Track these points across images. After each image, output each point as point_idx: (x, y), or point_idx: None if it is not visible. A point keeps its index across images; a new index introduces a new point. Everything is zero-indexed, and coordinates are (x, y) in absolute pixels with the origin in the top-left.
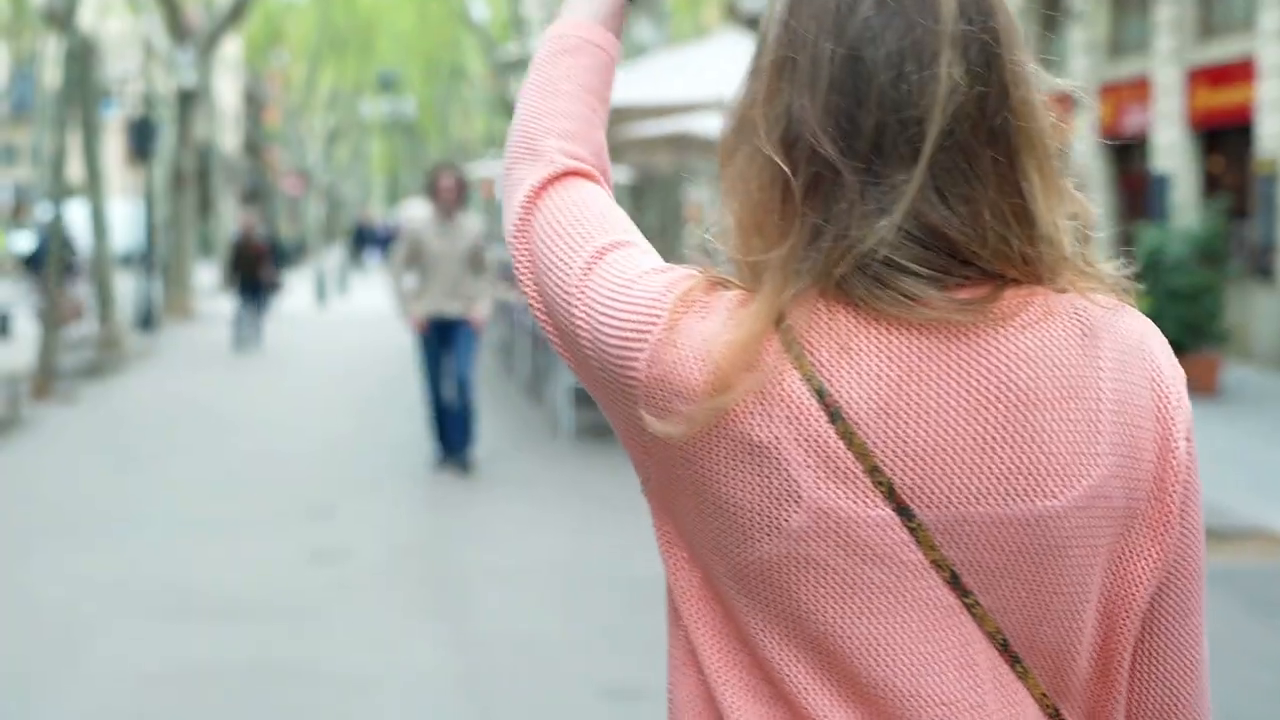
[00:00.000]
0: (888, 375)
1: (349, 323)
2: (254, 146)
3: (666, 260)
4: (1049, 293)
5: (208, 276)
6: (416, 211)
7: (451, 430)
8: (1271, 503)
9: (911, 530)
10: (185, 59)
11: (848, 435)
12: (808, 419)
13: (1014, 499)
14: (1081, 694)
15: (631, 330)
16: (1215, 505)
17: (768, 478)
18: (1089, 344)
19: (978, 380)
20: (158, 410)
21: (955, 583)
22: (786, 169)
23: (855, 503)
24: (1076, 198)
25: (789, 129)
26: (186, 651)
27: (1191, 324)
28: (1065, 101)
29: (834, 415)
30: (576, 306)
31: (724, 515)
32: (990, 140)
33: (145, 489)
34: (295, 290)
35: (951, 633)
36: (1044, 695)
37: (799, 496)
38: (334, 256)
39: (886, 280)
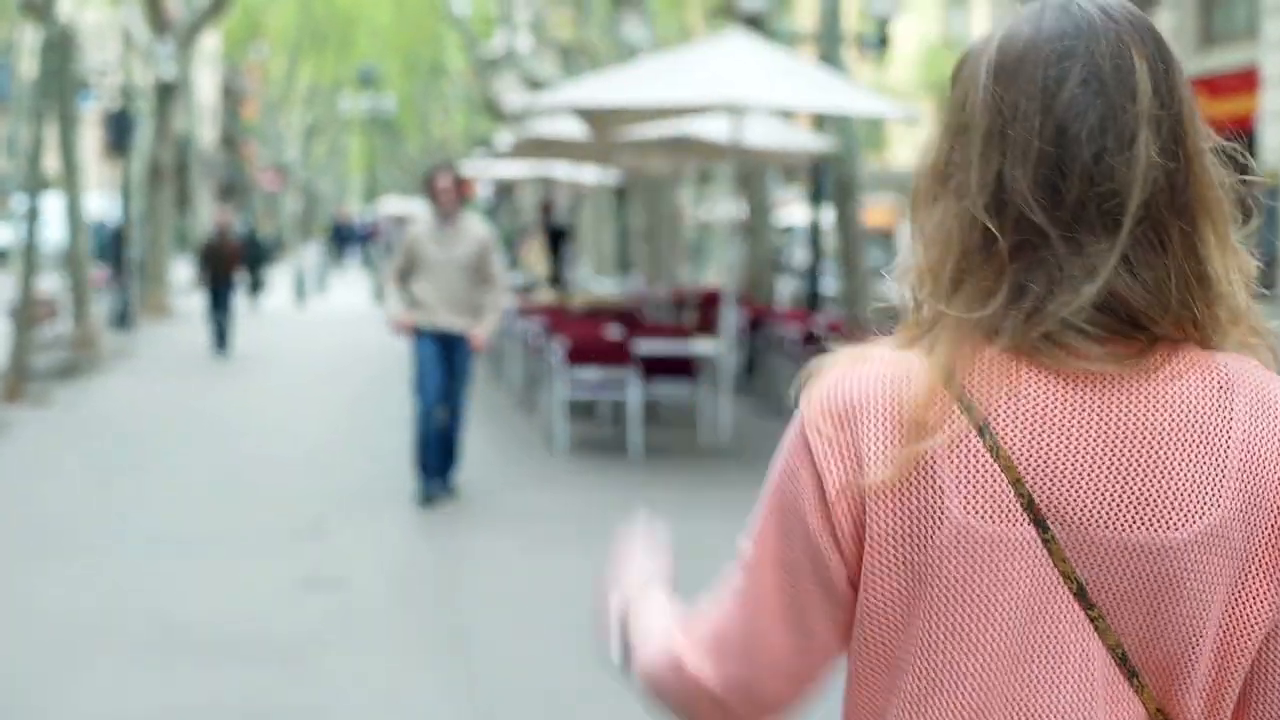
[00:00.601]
0: (1038, 409)
1: (330, 322)
2: (231, 141)
3: (654, 264)
4: (1196, 349)
5: (185, 273)
6: (416, 216)
7: (431, 453)
8: None
9: (1046, 543)
10: (165, 51)
11: (996, 452)
12: (965, 444)
13: (1139, 527)
14: (1191, 712)
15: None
16: None
17: (929, 497)
18: (1224, 396)
19: (1117, 420)
20: (135, 414)
21: (1082, 595)
22: (997, 232)
23: (999, 521)
24: (1243, 253)
25: (999, 194)
26: (175, 697)
27: None
28: None
29: (988, 438)
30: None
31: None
32: (1178, 211)
33: (124, 502)
34: (275, 288)
35: (1075, 646)
36: (1158, 710)
37: (946, 514)
38: (312, 254)
39: (1055, 336)
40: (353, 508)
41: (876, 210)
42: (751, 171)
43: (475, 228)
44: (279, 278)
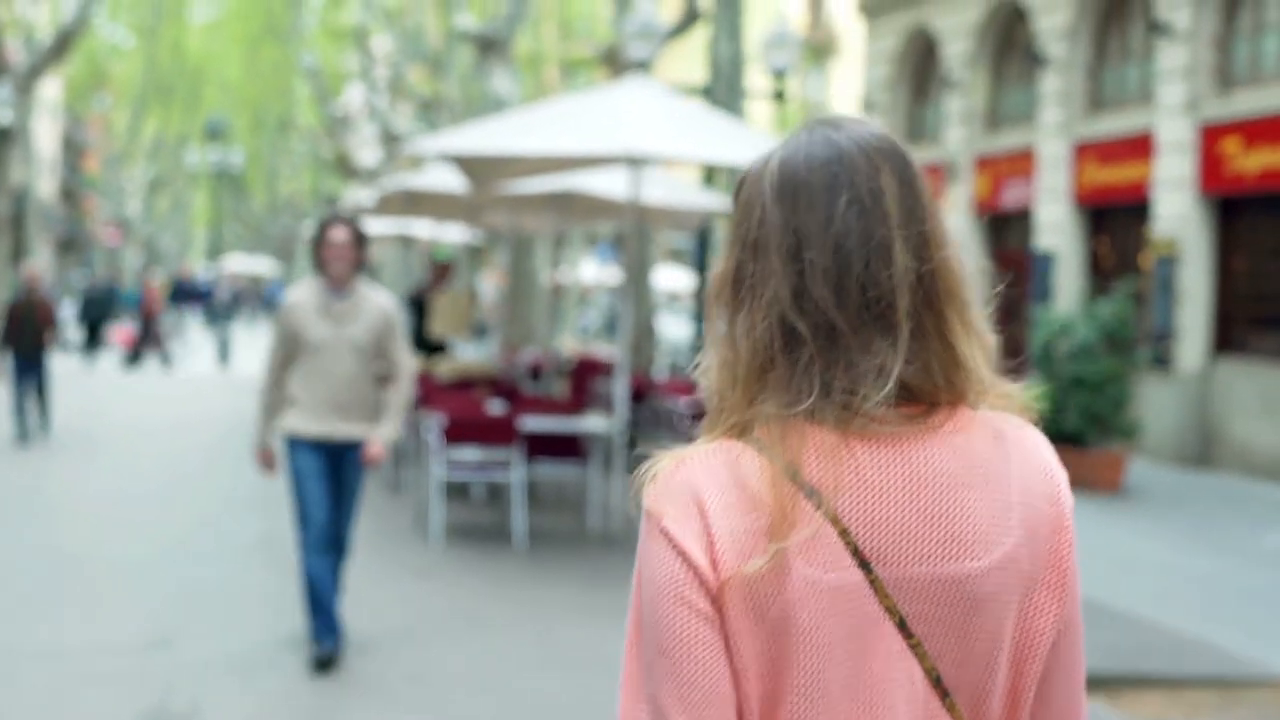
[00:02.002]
0: (856, 471)
1: (174, 388)
2: (72, 194)
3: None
4: (968, 411)
5: None
6: (297, 289)
7: (327, 600)
8: (1202, 615)
9: (872, 583)
10: (2, 95)
11: (834, 521)
12: (810, 520)
13: (947, 561)
14: None
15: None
16: (1143, 620)
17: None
18: (1000, 445)
19: (918, 470)
20: None
21: (903, 626)
22: (801, 332)
23: (833, 569)
24: (985, 337)
25: (800, 301)
26: None
27: (1096, 415)
28: (937, 174)
29: (827, 511)
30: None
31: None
32: (928, 305)
33: None
34: (106, 352)
35: (899, 672)
36: None
37: (791, 570)
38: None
39: (859, 410)
40: (208, 614)
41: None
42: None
43: (376, 299)
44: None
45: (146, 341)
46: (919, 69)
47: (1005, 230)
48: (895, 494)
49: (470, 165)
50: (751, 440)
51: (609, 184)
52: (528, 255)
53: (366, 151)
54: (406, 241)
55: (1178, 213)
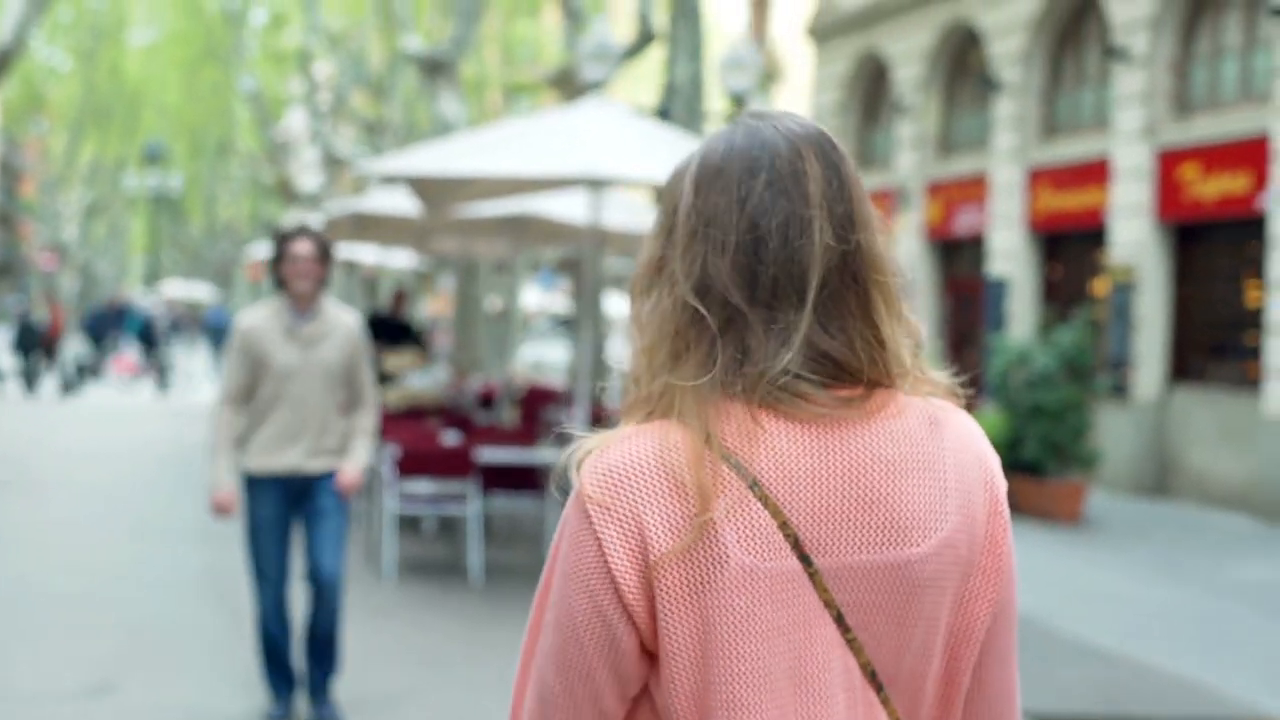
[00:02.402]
0: (792, 455)
1: (110, 416)
2: (7, 219)
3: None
4: (900, 395)
5: None
6: (255, 311)
7: (306, 655)
8: (1174, 649)
9: (810, 575)
10: None
11: (765, 500)
12: (735, 494)
13: (885, 548)
14: (927, 718)
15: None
16: (1106, 651)
17: (711, 546)
18: (935, 430)
19: (855, 455)
20: None
21: (840, 620)
22: (705, 312)
23: (771, 558)
24: (912, 322)
25: (704, 281)
26: None
27: (1055, 444)
28: (888, 199)
29: (754, 487)
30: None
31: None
32: (852, 284)
33: None
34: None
35: (837, 665)
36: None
37: (728, 559)
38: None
39: (789, 388)
40: (154, 655)
41: None
42: (587, 255)
43: (344, 319)
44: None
45: (51, 366)
46: (869, 94)
47: (958, 257)
48: (833, 480)
49: (424, 187)
50: (674, 419)
51: (564, 207)
52: (474, 281)
53: (308, 176)
54: (350, 267)
55: (1134, 239)
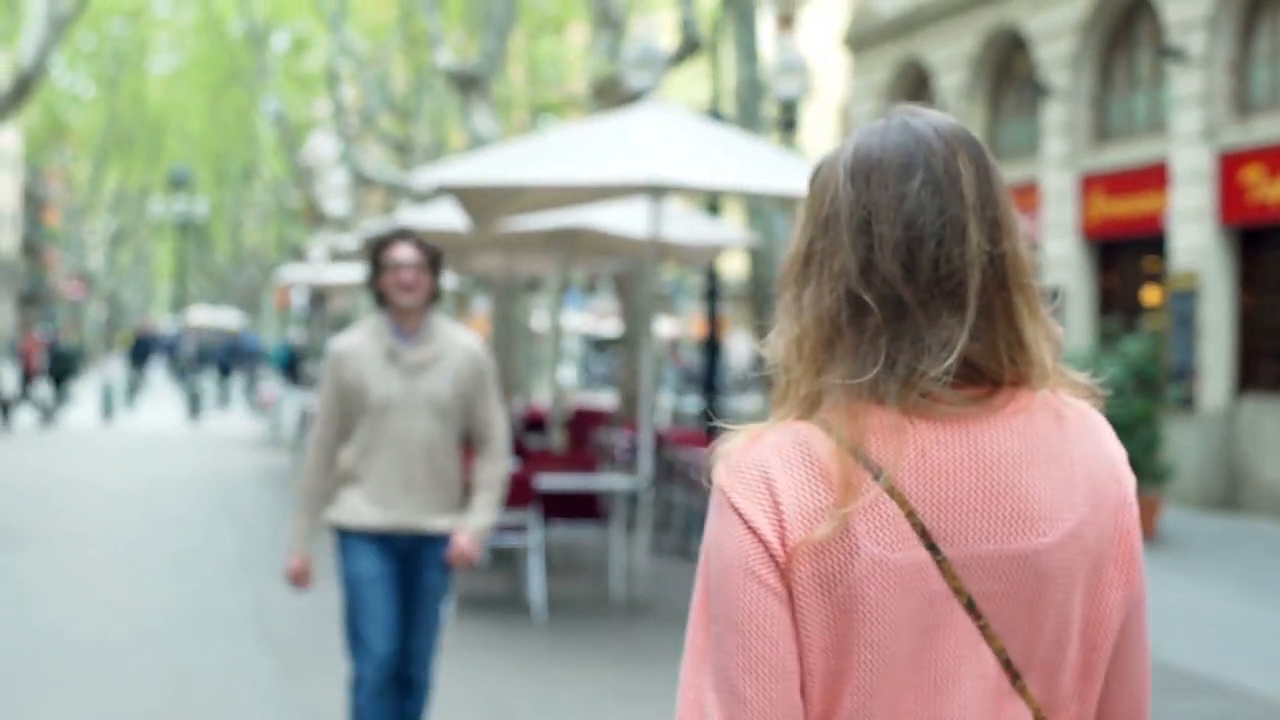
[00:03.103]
0: (921, 450)
1: (142, 445)
2: (33, 248)
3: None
4: (1031, 392)
5: None
6: (352, 334)
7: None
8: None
9: (939, 564)
10: None
11: (895, 494)
12: (871, 493)
13: (1013, 538)
14: (1066, 707)
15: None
16: (1214, 681)
17: (844, 539)
18: (1062, 425)
19: (982, 450)
20: None
21: (971, 608)
22: (873, 305)
23: (900, 548)
24: (1052, 325)
25: (868, 273)
26: None
27: (1128, 458)
28: None
29: (887, 484)
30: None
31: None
32: (999, 288)
33: None
34: (80, 403)
35: (970, 653)
36: (1038, 710)
37: (859, 550)
38: (116, 366)
39: (920, 386)
40: (199, 708)
41: (705, 321)
42: (631, 270)
43: (462, 341)
44: (84, 392)
45: (25, 396)
46: (911, 102)
47: None
48: (959, 473)
49: (472, 199)
50: (818, 421)
51: (618, 219)
52: (513, 301)
53: (335, 199)
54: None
55: (1196, 245)
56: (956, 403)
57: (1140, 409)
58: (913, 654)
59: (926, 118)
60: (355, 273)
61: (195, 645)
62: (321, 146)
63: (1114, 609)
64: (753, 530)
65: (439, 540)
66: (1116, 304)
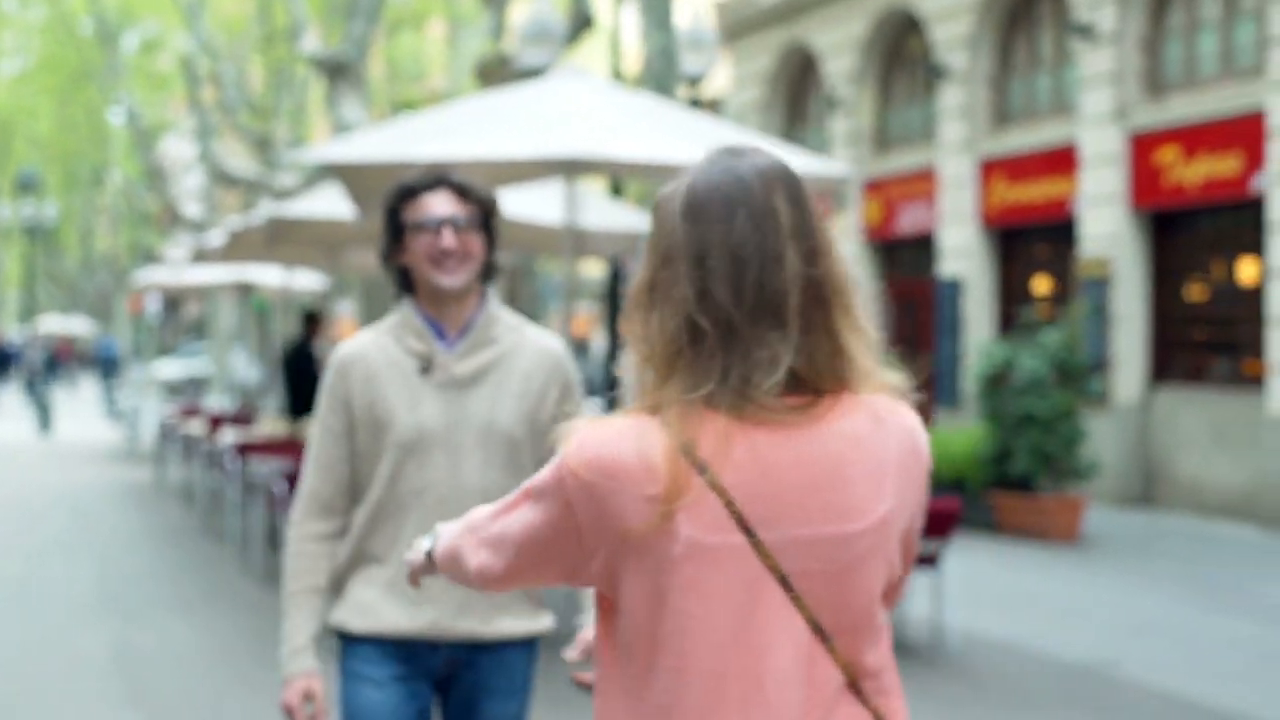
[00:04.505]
0: (750, 451)
1: None
2: None
3: None
4: (852, 396)
5: None
6: (363, 336)
7: None
8: (1253, 690)
9: (755, 546)
10: None
11: (717, 489)
12: (697, 489)
13: (828, 523)
14: (867, 658)
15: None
16: (1184, 698)
17: (667, 525)
18: (879, 426)
19: (805, 450)
20: None
21: (785, 584)
22: (709, 329)
23: (717, 533)
24: (870, 332)
25: (703, 301)
26: None
27: (1048, 455)
28: (820, 201)
29: (712, 482)
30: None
31: (640, 553)
32: (818, 306)
33: None
34: None
35: (784, 621)
36: (846, 665)
37: (679, 535)
38: None
39: (754, 399)
40: None
41: (578, 320)
42: (521, 266)
43: (531, 339)
44: None
45: None
46: (796, 89)
47: (901, 258)
48: (783, 471)
49: (360, 180)
50: (659, 418)
51: (520, 205)
52: (383, 302)
53: (192, 201)
54: (245, 290)
55: (1107, 231)
56: (782, 411)
57: (1061, 403)
58: (734, 623)
59: (749, 158)
60: (218, 274)
61: (47, 697)
62: (176, 147)
63: (904, 576)
64: (569, 509)
65: (504, 651)
66: (1021, 294)
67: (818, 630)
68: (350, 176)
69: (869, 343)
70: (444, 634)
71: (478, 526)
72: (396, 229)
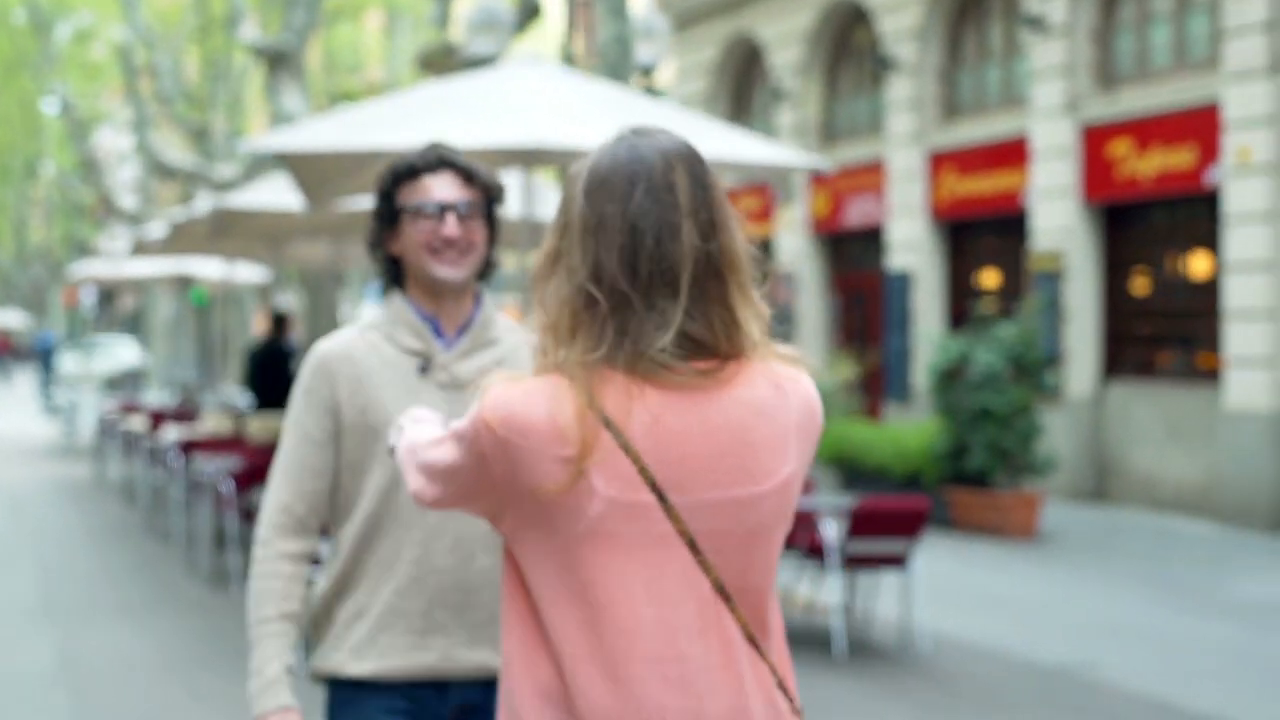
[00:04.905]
0: (655, 414)
1: None
2: None
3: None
4: (751, 364)
5: None
6: (344, 334)
7: None
8: (1228, 691)
9: (665, 509)
10: None
11: (628, 449)
12: (607, 446)
13: (735, 486)
14: (766, 618)
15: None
16: (1163, 701)
17: (582, 484)
18: (780, 392)
19: (710, 415)
20: None
21: (693, 546)
22: (599, 297)
23: (631, 492)
24: (761, 307)
25: (597, 272)
26: None
27: (1004, 451)
28: (766, 193)
29: (620, 440)
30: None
31: (553, 510)
32: (712, 277)
33: None
34: None
35: (690, 580)
36: (744, 624)
37: (596, 492)
38: None
39: (659, 361)
40: None
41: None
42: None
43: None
44: None
45: None
46: (741, 81)
47: (849, 251)
48: (689, 436)
49: (311, 170)
50: (566, 379)
51: None
52: (327, 295)
53: (128, 192)
54: (184, 283)
55: (1059, 224)
56: (687, 374)
57: (1018, 398)
58: (645, 578)
59: (652, 138)
60: (157, 266)
61: None
62: (111, 139)
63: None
64: (481, 459)
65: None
66: (971, 288)
67: (721, 591)
68: (300, 166)
69: (761, 316)
70: (455, 667)
71: (416, 448)
72: (391, 213)
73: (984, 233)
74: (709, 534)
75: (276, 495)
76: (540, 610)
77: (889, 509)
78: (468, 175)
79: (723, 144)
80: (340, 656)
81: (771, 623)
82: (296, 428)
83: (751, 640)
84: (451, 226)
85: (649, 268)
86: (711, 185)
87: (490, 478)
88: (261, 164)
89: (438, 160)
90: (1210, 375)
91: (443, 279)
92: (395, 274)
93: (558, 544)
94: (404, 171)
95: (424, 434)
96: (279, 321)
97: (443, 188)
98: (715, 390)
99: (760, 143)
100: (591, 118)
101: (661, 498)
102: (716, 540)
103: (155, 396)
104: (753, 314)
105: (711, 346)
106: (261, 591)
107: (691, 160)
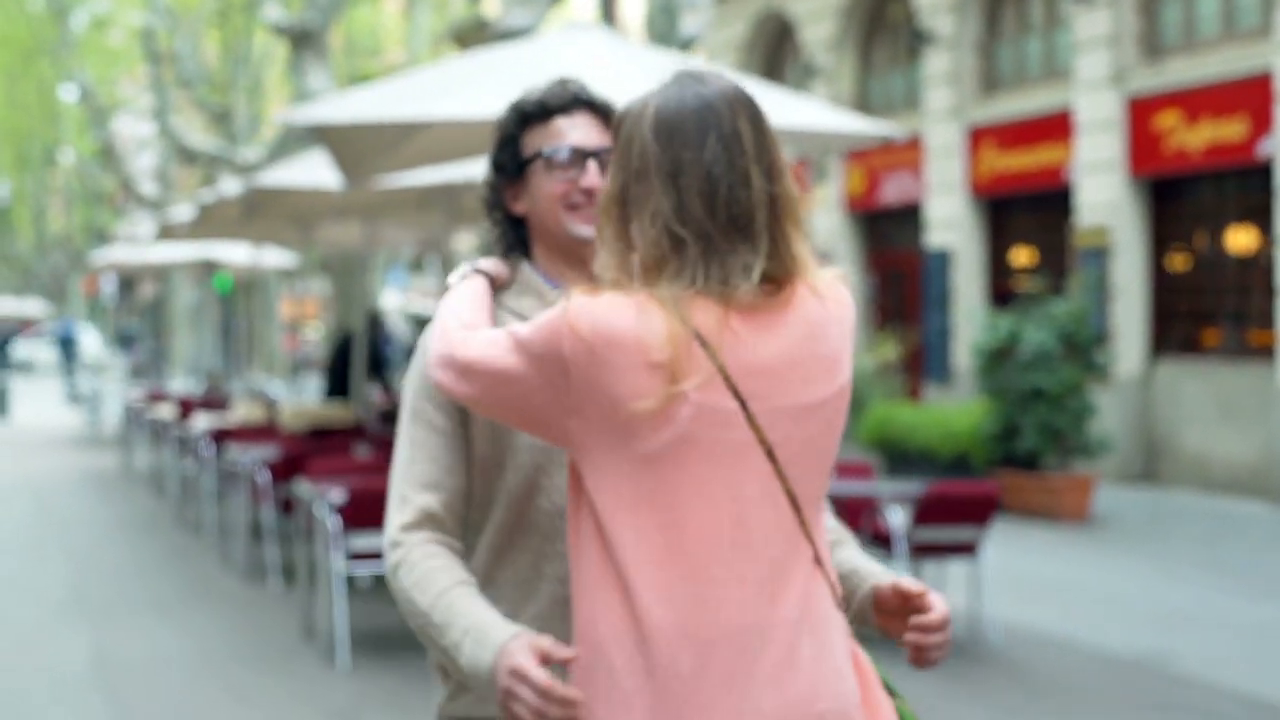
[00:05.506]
0: (735, 334)
1: None
2: None
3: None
4: (803, 283)
5: None
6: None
7: None
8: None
9: (746, 416)
10: None
11: (714, 358)
12: (697, 355)
13: (805, 393)
14: (820, 541)
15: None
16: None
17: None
18: (824, 306)
19: (781, 332)
20: None
21: (770, 455)
22: (689, 237)
23: (717, 396)
24: (808, 238)
25: (681, 213)
26: None
27: (1056, 432)
28: (800, 170)
29: (708, 349)
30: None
31: (633, 419)
32: (777, 219)
33: None
34: None
35: (769, 487)
36: (808, 532)
37: (688, 398)
38: None
39: (732, 295)
40: None
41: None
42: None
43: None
44: None
45: None
46: (772, 57)
47: (886, 229)
48: (767, 352)
49: (350, 145)
50: (654, 299)
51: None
52: (357, 280)
53: (149, 178)
54: (207, 269)
55: (1105, 199)
56: (755, 294)
57: (1070, 377)
58: (728, 481)
59: (711, 83)
60: (181, 252)
61: (19, 712)
62: (131, 125)
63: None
64: (563, 370)
65: None
66: (1012, 266)
67: (793, 500)
68: (338, 140)
69: (810, 243)
70: None
71: (458, 340)
72: (516, 162)
73: (1025, 209)
74: (783, 443)
75: (407, 501)
76: (609, 527)
77: (959, 495)
78: (607, 116)
79: (789, 112)
80: (470, 699)
81: (823, 542)
82: (417, 419)
83: (816, 557)
84: (593, 176)
85: (726, 212)
86: (768, 130)
87: (563, 385)
88: (286, 145)
89: (572, 99)
90: (1263, 352)
91: (584, 236)
92: (515, 238)
93: (634, 453)
94: (534, 111)
95: (466, 312)
96: (373, 320)
97: (581, 131)
98: (780, 310)
99: (825, 109)
100: (645, 85)
101: (743, 405)
102: (788, 448)
103: (180, 385)
104: (806, 244)
105: (778, 277)
106: (422, 577)
107: (751, 106)
